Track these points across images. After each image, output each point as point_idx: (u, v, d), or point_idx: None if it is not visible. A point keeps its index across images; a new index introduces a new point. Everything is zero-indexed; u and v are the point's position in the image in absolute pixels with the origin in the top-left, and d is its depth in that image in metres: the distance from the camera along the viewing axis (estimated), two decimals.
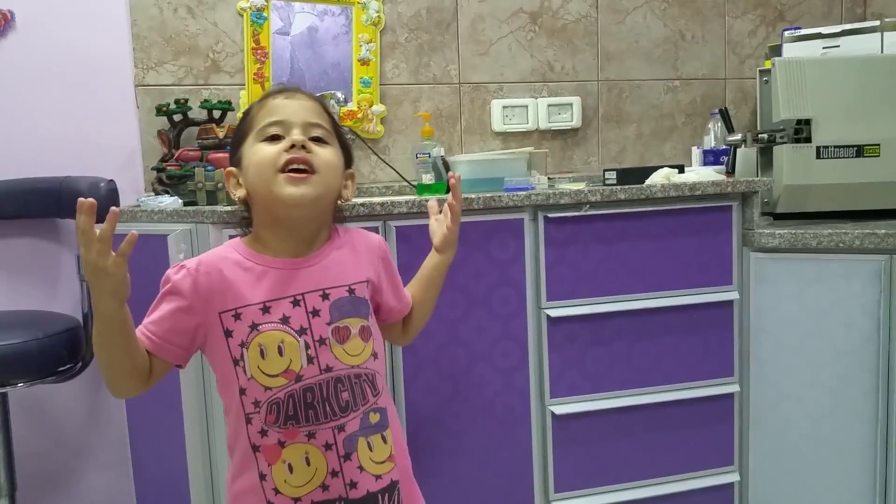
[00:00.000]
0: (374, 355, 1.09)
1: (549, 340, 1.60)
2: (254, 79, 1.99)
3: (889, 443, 1.59)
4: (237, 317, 1.02)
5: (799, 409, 1.69)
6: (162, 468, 1.56)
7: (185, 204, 1.76)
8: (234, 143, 1.12)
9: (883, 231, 1.56)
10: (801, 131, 1.73)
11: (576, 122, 2.24)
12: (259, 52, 1.99)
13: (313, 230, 1.09)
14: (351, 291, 1.08)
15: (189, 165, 1.82)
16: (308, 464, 1.02)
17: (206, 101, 1.90)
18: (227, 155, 1.82)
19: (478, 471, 1.59)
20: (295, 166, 1.02)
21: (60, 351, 1.61)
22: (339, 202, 1.14)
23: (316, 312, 1.04)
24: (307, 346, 1.02)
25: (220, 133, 1.87)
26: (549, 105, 2.21)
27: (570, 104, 2.24)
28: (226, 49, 1.99)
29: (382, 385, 1.11)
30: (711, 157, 2.18)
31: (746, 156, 1.93)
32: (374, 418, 1.07)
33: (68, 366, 1.68)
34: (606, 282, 1.63)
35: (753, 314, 1.71)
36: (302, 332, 1.03)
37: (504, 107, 2.19)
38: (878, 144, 1.70)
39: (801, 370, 1.67)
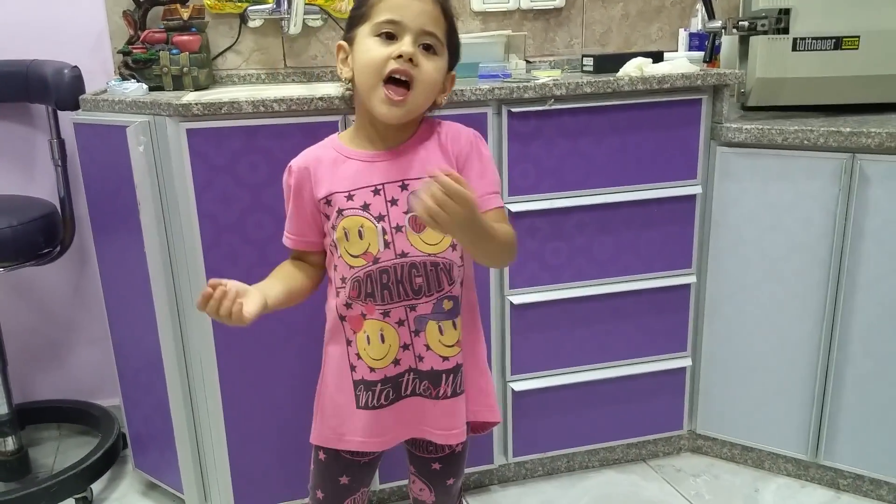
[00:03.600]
0: (453, 246, 1.14)
1: None
2: None
3: (833, 334, 1.66)
4: (328, 203, 1.12)
5: (753, 301, 1.74)
6: (138, 345, 1.65)
7: (152, 89, 1.76)
8: (351, 20, 1.11)
9: (848, 129, 1.54)
10: (781, 20, 1.67)
11: (559, 1, 2.16)
12: None
13: (402, 127, 1.13)
14: None
15: (155, 48, 1.79)
16: (382, 341, 1.13)
17: None
18: (193, 37, 1.81)
19: None
20: (396, 76, 1.05)
21: (36, 237, 1.67)
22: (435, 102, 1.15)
23: (394, 201, 1.10)
24: (384, 232, 1.10)
25: (185, 14, 1.82)
26: None
27: None
28: None
29: (459, 276, 1.15)
30: (697, 41, 2.12)
31: (733, 43, 1.88)
32: (447, 305, 1.14)
33: (46, 250, 1.74)
34: (569, 177, 1.64)
35: (715, 209, 1.73)
36: (380, 218, 1.10)
37: None
38: (858, 36, 1.65)
39: (757, 264, 1.72)
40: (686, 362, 1.84)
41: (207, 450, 1.61)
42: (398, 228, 1.11)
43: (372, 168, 1.12)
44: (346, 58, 1.13)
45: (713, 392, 1.85)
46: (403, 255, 1.11)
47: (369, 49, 1.06)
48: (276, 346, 1.56)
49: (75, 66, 1.72)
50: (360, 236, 1.11)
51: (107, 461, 1.81)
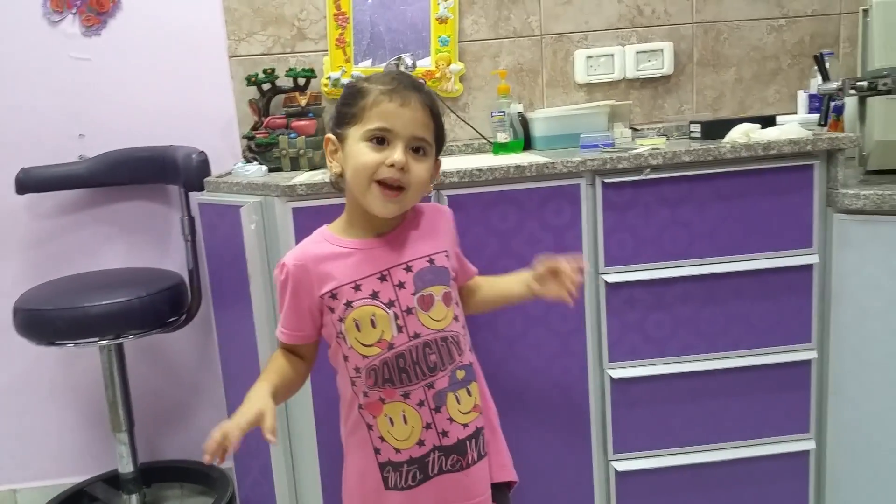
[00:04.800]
0: (456, 318, 1.20)
1: (608, 305, 1.60)
2: (336, 44, 2.06)
3: None
4: (334, 296, 1.15)
5: (881, 378, 1.59)
6: None
7: (272, 170, 1.90)
8: (341, 116, 1.17)
9: None
10: None
11: (667, 68, 2.14)
12: (340, 17, 2.05)
13: (395, 218, 1.19)
14: (431, 261, 1.18)
15: (275, 133, 1.94)
16: (405, 422, 1.16)
17: (290, 69, 2.00)
18: (309, 122, 1.94)
19: (536, 431, 1.64)
20: (390, 183, 1.12)
21: (162, 307, 1.82)
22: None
23: (401, 285, 1.15)
24: (396, 317, 1.14)
25: (303, 101, 1.97)
26: (637, 52, 2.13)
27: (661, 49, 2.14)
28: (310, 16, 2.07)
29: (465, 345, 1.21)
30: (817, 103, 2.02)
31: (855, 105, 1.77)
32: (460, 374, 1.19)
33: (172, 318, 1.89)
34: (670, 246, 1.59)
35: (835, 279, 1.61)
36: (391, 304, 1.14)
37: (588, 57, 2.13)
38: None
39: (884, 338, 1.57)
40: (809, 445, 1.69)
41: None
42: (409, 311, 1.14)
43: (373, 255, 1.16)
44: (336, 151, 1.18)
45: (842, 478, 1.68)
46: (416, 336, 1.14)
47: (361, 153, 1.12)
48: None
49: (202, 151, 1.89)
50: (373, 325, 1.14)
51: None
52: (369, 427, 1.18)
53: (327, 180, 1.51)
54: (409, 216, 1.22)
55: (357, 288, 1.14)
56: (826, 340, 1.65)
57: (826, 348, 1.65)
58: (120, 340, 1.83)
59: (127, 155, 2.03)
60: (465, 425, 1.18)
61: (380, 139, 1.12)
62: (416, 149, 1.13)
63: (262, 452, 1.68)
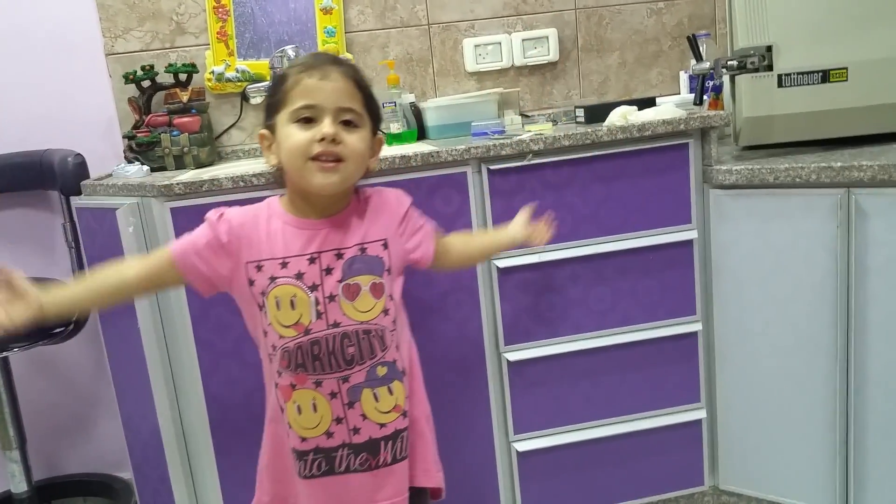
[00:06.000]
0: (385, 311, 1.15)
1: (501, 290, 1.62)
2: (217, 38, 2.00)
3: (850, 375, 1.57)
4: (259, 268, 1.11)
5: (764, 345, 1.67)
6: (142, 419, 1.68)
7: (155, 169, 1.84)
8: (269, 107, 1.14)
9: (839, 164, 1.49)
10: (765, 58, 1.64)
11: (553, 55, 2.18)
12: (220, 10, 2.00)
13: (336, 199, 1.15)
14: (363, 250, 1.14)
15: (157, 131, 1.88)
16: (315, 410, 1.13)
17: (170, 65, 1.93)
18: (193, 118, 1.89)
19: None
20: (325, 157, 1.08)
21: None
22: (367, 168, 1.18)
23: (329, 270, 1.12)
24: (317, 302, 1.11)
25: (185, 96, 1.91)
26: (523, 40, 2.15)
27: (546, 37, 2.17)
28: (188, 10, 2.01)
29: (392, 340, 1.17)
30: (695, 83, 2.10)
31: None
32: (381, 371, 1.15)
33: (59, 329, 1.81)
34: (556, 229, 1.62)
35: (715, 252, 1.68)
36: (313, 288, 1.11)
37: (476, 45, 2.14)
38: (846, 68, 1.60)
39: (764, 307, 1.65)
40: (701, 414, 1.76)
41: None
42: (332, 298, 1.11)
43: (309, 236, 1.13)
44: (270, 145, 1.15)
45: (733, 444, 1.76)
46: (336, 325, 1.12)
47: (290, 135, 1.09)
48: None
49: (78, 154, 1.81)
50: (293, 306, 1.11)
51: None
52: (281, 409, 1.16)
53: (205, 178, 1.48)
54: (353, 202, 1.18)
55: (283, 265, 1.11)
56: (710, 312, 1.72)
57: (710, 319, 1.72)
58: (4, 354, 1.74)
59: (2, 161, 1.93)
60: (382, 425, 1.16)
61: (307, 118, 1.08)
62: (346, 122, 1.10)
63: (160, 461, 1.64)
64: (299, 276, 1.11)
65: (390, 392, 1.16)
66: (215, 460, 1.57)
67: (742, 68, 1.70)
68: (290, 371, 1.13)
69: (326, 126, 1.07)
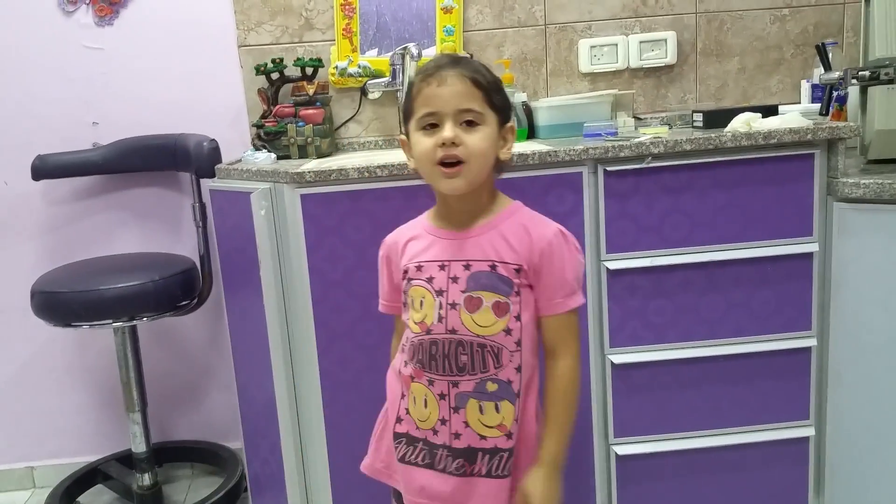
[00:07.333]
0: (508, 331, 1.16)
1: (609, 292, 1.63)
2: (342, 34, 2.09)
3: None
4: (405, 272, 1.23)
5: (880, 365, 1.61)
6: (258, 391, 1.78)
7: (280, 157, 1.93)
8: (404, 115, 1.21)
9: None
10: None
11: (670, 58, 2.16)
12: (347, 7, 2.08)
13: (476, 199, 1.20)
14: (493, 267, 1.17)
15: (284, 121, 1.97)
16: (426, 406, 1.20)
17: (298, 59, 2.03)
18: (317, 111, 1.98)
19: None
20: (447, 160, 1.14)
21: (175, 290, 1.86)
22: (499, 160, 1.20)
23: (455, 279, 1.18)
24: (440, 307, 1.17)
25: (311, 90, 2.00)
26: (640, 42, 2.15)
27: (664, 39, 2.15)
28: (317, 6, 2.10)
29: (511, 361, 1.17)
30: (820, 92, 2.03)
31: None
32: (492, 387, 1.17)
33: (185, 302, 1.93)
34: (671, 234, 1.62)
35: (835, 267, 1.63)
36: (440, 293, 1.18)
37: (592, 46, 2.15)
38: None
39: (883, 325, 1.59)
40: (809, 431, 1.72)
41: (314, 494, 1.69)
42: (453, 305, 1.16)
43: (443, 245, 1.20)
44: (409, 150, 1.21)
45: (842, 466, 1.71)
46: (453, 331, 1.16)
47: (418, 143, 1.16)
48: (381, 395, 1.63)
49: (213, 139, 1.93)
50: (421, 306, 1.19)
51: (228, 501, 1.94)
52: (402, 395, 1.24)
53: (334, 168, 1.55)
54: (501, 215, 1.20)
55: (419, 269, 1.20)
56: (826, 328, 1.67)
57: (826, 336, 1.67)
58: (134, 323, 1.88)
59: (139, 142, 2.07)
60: (483, 437, 1.18)
61: (431, 125, 1.14)
62: (467, 122, 1.14)
63: (272, 431, 1.73)
64: (430, 280, 1.19)
65: (497, 409, 1.17)
66: (325, 434, 1.65)
67: (875, 79, 1.64)
68: (413, 364, 1.20)
69: (447, 130, 1.12)
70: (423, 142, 1.14)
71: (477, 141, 1.13)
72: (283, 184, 1.58)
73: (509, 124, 1.21)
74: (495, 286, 1.16)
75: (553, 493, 1.18)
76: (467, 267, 1.17)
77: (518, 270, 1.17)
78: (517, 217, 1.21)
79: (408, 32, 2.09)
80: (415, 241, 1.24)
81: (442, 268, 1.18)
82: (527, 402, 1.21)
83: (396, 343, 1.31)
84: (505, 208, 1.22)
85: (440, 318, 1.17)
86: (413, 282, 1.20)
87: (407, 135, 1.21)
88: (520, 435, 1.21)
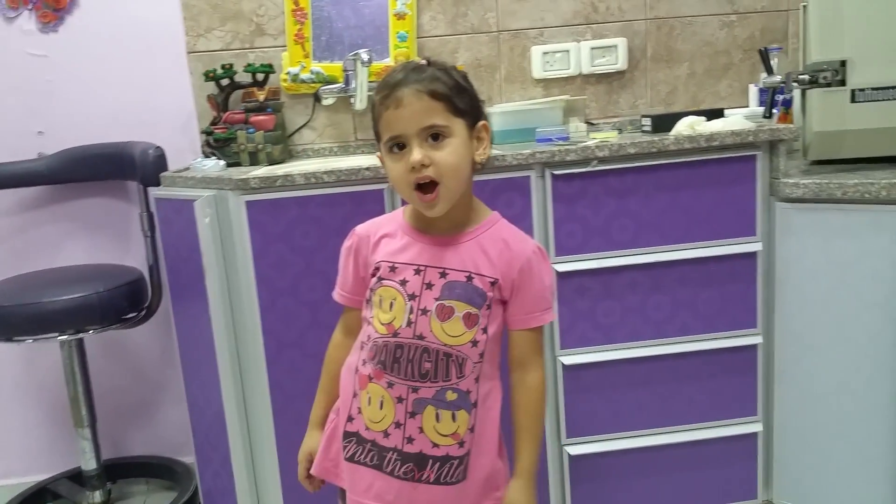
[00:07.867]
0: (474, 343, 1.16)
1: (559, 293, 1.64)
2: (294, 40, 2.08)
3: None
4: (376, 269, 1.20)
5: (824, 362, 1.65)
6: (207, 403, 1.75)
7: (230, 165, 1.91)
8: (375, 133, 1.18)
9: None
10: (839, 73, 1.62)
11: (621, 64, 2.18)
12: (298, 13, 2.07)
13: (455, 213, 1.18)
14: (469, 279, 1.16)
15: (234, 128, 1.96)
16: (381, 407, 1.18)
17: (249, 65, 2.02)
18: (268, 117, 1.96)
19: None
20: (422, 183, 1.12)
21: (120, 302, 1.83)
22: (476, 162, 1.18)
23: (429, 286, 1.16)
24: (411, 311, 1.16)
25: (261, 96, 1.99)
26: (591, 48, 2.17)
27: (615, 45, 2.18)
28: (268, 12, 2.09)
29: (472, 372, 1.17)
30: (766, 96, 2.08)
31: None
32: (451, 396, 1.17)
33: (132, 314, 1.90)
34: (618, 236, 1.64)
35: (779, 266, 1.67)
36: (412, 297, 1.16)
37: (544, 53, 2.16)
38: None
39: (826, 323, 1.63)
40: (757, 427, 1.75)
41: None
42: (424, 311, 1.15)
43: (420, 248, 1.18)
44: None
45: (789, 459, 1.74)
46: (420, 337, 1.15)
47: (390, 169, 1.15)
48: None
49: (158, 147, 1.90)
50: (391, 308, 1.17)
51: None
52: (354, 394, 1.21)
53: (279, 174, 1.54)
54: (481, 226, 1.20)
55: (392, 269, 1.18)
56: (771, 325, 1.70)
57: (771, 333, 1.71)
58: (79, 336, 1.84)
59: (86, 152, 2.03)
60: (436, 445, 1.17)
61: (398, 145, 1.12)
62: (434, 136, 1.11)
63: (222, 444, 1.70)
64: (403, 282, 1.17)
65: (453, 419, 1.17)
66: (276, 444, 1.63)
67: (814, 82, 1.68)
68: (373, 364, 1.18)
69: (414, 154, 1.10)
70: (394, 167, 1.13)
71: (446, 157, 1.11)
72: (228, 191, 1.56)
73: (481, 123, 1.18)
74: (469, 297, 1.16)
75: (533, 501, 1.22)
76: (443, 275, 1.16)
77: (493, 284, 1.17)
78: (497, 229, 1.21)
79: (361, 38, 2.09)
80: (390, 238, 1.21)
81: (417, 272, 1.16)
82: (484, 412, 1.21)
83: (341, 337, 1.29)
84: (485, 218, 1.21)
85: (409, 323, 1.15)
86: (384, 281, 1.18)
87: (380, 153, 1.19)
88: (474, 442, 1.20)
